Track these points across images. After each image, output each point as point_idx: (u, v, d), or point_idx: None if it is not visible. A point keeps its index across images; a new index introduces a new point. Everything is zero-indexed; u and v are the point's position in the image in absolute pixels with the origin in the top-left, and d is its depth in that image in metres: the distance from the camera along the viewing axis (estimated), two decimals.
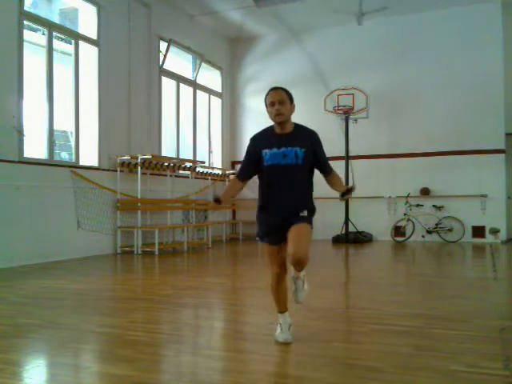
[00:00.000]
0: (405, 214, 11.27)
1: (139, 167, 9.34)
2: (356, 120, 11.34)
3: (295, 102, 3.29)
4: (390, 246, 10.50)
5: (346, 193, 3.05)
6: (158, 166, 9.93)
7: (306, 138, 3.24)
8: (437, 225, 11.19)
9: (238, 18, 11.91)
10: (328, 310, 4.32)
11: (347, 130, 11.26)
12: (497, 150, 10.95)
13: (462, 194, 11.13)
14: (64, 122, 8.69)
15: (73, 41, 8.73)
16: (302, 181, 3.25)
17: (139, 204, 9.40)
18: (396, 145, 11.76)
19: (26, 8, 7.70)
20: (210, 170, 12.17)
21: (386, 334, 3.53)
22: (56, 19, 8.74)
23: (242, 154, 12.95)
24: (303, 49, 12.12)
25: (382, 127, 11.85)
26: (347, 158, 11.20)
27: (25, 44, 7.67)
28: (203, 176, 11.82)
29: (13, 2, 7.40)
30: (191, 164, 11.08)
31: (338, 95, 11.26)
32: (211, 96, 12.93)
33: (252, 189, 11.62)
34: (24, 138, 7.50)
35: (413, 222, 11.25)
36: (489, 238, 10.98)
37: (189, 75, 12.07)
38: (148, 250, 9.14)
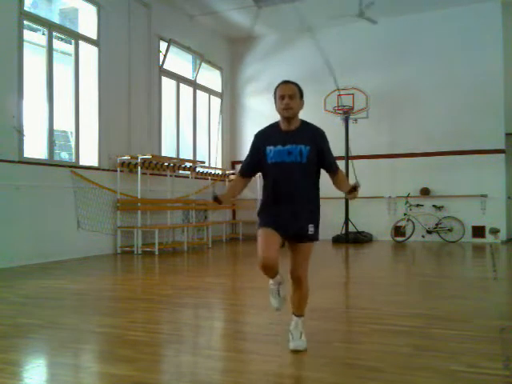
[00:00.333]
0: (405, 214, 11.27)
1: (139, 167, 9.34)
2: (356, 120, 11.34)
3: None
4: (390, 246, 10.50)
5: (352, 191, 2.99)
6: (158, 166, 9.93)
7: (312, 135, 3.12)
8: (437, 225, 11.19)
9: (238, 18, 11.90)
10: (328, 310, 4.32)
11: (347, 130, 11.26)
12: (497, 150, 10.95)
13: (461, 194, 11.13)
14: (64, 121, 8.69)
15: (73, 41, 8.73)
16: (307, 182, 3.13)
17: (139, 204, 9.40)
18: (396, 145, 11.76)
19: (26, 8, 7.70)
20: (210, 170, 12.18)
21: (386, 334, 3.53)
22: (56, 19, 8.74)
23: (242, 154, 13.01)
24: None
25: (382, 127, 11.85)
26: (347, 157, 11.20)
27: (25, 44, 7.67)
28: (203, 176, 11.82)
29: (13, 1, 7.40)
30: (191, 164, 11.08)
31: (338, 95, 11.28)
32: (211, 96, 12.94)
33: (252, 189, 11.77)
34: (24, 137, 7.50)
35: (413, 222, 11.25)
36: (489, 238, 10.97)
37: (189, 75, 12.07)
38: (148, 250, 9.14)
